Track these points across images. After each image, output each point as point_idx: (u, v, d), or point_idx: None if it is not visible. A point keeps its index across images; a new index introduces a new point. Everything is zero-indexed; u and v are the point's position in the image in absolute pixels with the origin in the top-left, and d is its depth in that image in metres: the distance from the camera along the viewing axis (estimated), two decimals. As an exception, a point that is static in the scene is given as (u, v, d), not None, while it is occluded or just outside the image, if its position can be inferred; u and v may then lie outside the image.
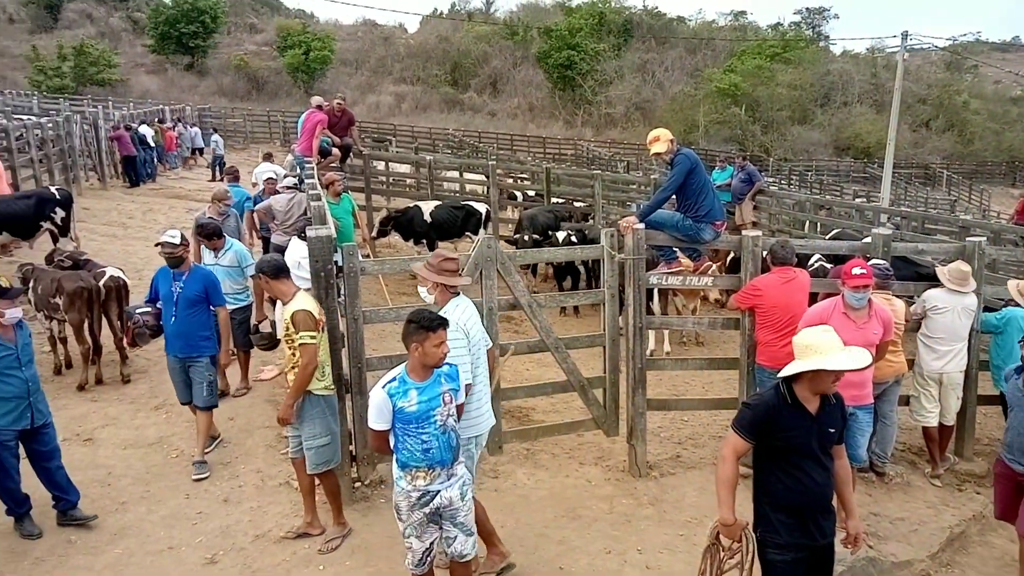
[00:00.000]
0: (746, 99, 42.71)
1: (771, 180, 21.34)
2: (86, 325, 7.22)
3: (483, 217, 12.49)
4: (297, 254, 6.45)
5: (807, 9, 56.99)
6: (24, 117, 18.80)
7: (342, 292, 5.29)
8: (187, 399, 5.99)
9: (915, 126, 45.45)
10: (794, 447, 3.45)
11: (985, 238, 7.83)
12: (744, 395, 6.02)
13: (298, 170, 11.14)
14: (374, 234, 11.93)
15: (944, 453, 6.37)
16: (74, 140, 16.76)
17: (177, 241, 5.83)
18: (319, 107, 11.89)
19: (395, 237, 12.24)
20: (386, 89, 48.42)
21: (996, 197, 37.19)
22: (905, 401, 6.32)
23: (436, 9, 65.28)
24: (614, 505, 5.58)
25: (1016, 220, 14.28)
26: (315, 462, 4.79)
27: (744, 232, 6.27)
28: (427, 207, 12.17)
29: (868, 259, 5.77)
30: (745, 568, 3.56)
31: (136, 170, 19.31)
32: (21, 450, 5.01)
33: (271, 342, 6.71)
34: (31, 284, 7.28)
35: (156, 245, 5.89)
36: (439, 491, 3.79)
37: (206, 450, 5.97)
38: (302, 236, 6.47)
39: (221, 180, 15.69)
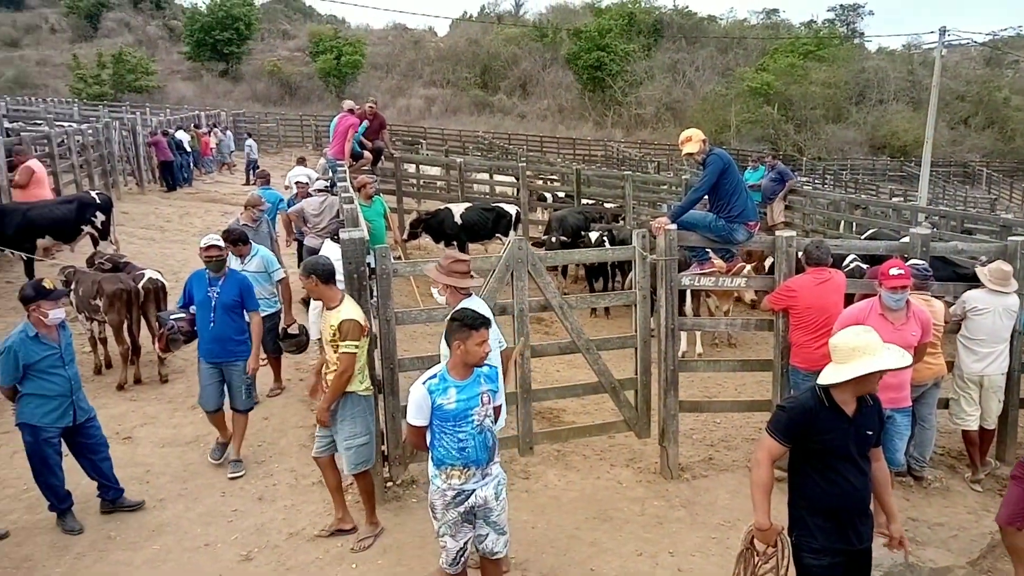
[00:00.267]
0: (779, 98, 42.16)
1: (805, 179, 20.99)
2: (125, 326, 7.38)
3: (513, 219, 12.51)
4: (330, 256, 6.52)
5: (841, 6, 56.31)
6: (65, 124, 19.39)
7: (374, 294, 5.33)
8: (215, 407, 5.89)
9: (953, 123, 44.56)
10: (831, 450, 3.39)
11: (1027, 237, 7.63)
12: (778, 397, 5.94)
13: (330, 173, 11.28)
14: (405, 236, 11.96)
15: (985, 457, 6.22)
16: (113, 146, 17.19)
17: (223, 244, 5.93)
18: (351, 111, 12.02)
19: (426, 239, 12.29)
20: (416, 92, 48.76)
21: (1038, 195, 36.30)
22: (944, 404, 6.20)
23: (466, 12, 65.63)
24: (645, 507, 5.55)
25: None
26: (354, 462, 4.82)
27: (778, 232, 6.19)
28: (457, 209, 12.20)
29: (906, 259, 5.66)
30: (780, 573, 3.51)
31: (173, 175, 19.72)
32: (64, 448, 5.15)
33: (299, 347, 6.79)
34: (73, 286, 7.45)
35: (200, 249, 5.87)
36: (474, 490, 3.81)
37: (236, 455, 5.94)
38: (335, 238, 6.55)
39: (255, 183, 15.94)
